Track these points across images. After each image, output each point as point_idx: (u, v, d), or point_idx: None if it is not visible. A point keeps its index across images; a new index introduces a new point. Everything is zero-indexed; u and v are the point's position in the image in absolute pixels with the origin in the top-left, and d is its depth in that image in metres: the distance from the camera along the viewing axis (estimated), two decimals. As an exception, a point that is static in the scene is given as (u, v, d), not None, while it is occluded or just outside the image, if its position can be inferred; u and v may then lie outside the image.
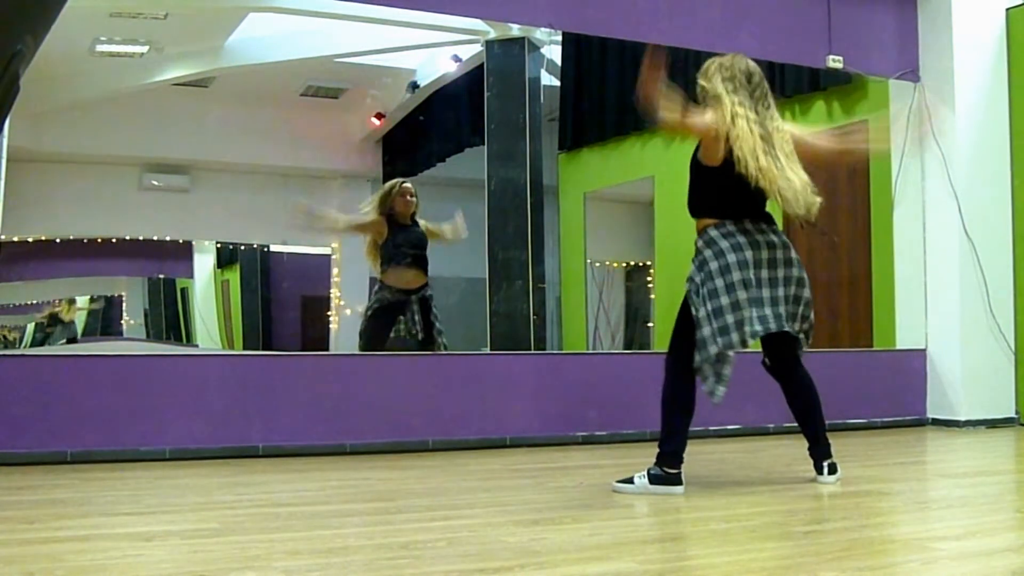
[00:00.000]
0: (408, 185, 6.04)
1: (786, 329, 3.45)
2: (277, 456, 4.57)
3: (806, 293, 3.54)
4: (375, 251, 5.95)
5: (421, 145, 11.29)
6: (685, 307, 3.54)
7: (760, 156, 3.36)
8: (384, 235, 5.89)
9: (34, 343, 11.27)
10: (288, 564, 2.31)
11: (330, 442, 4.71)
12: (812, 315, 3.59)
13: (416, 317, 5.83)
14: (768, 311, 3.41)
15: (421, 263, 5.94)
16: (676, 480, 3.42)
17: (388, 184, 6.10)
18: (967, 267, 5.93)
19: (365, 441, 4.76)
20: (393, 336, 5.80)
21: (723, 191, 3.48)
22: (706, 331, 3.40)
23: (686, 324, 3.52)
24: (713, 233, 3.47)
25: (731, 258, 3.41)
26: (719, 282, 3.41)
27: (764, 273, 3.44)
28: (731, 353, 3.40)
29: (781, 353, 3.63)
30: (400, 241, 5.87)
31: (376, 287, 5.98)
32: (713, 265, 3.43)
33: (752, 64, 3.61)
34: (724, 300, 3.40)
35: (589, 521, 2.94)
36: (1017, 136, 6.08)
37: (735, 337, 3.37)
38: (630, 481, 3.46)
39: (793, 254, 3.52)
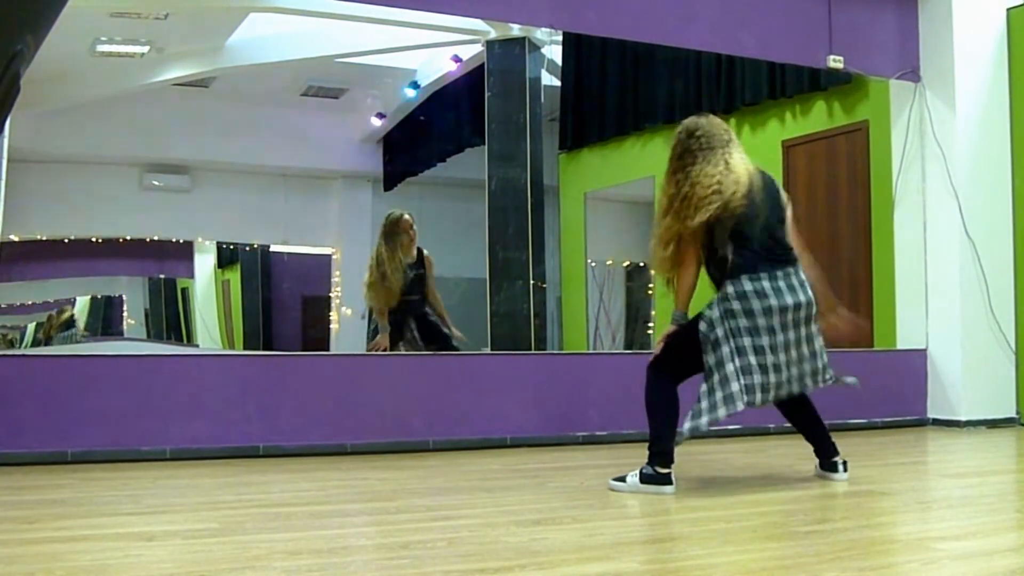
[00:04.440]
0: (408, 218, 6.02)
1: (793, 393, 3.50)
2: (278, 456, 4.57)
3: (819, 344, 3.54)
4: (381, 289, 5.90)
5: (421, 145, 11.30)
6: (690, 330, 3.52)
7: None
8: (401, 282, 5.88)
9: (34, 343, 11.28)
10: (288, 564, 2.31)
11: (330, 442, 4.71)
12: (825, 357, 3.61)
13: (415, 334, 5.92)
14: (773, 379, 3.43)
15: (412, 304, 5.98)
16: (666, 480, 3.43)
17: (390, 219, 6.01)
18: (967, 267, 5.93)
19: (365, 441, 4.76)
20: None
21: (737, 249, 3.47)
22: (718, 395, 3.40)
23: (683, 346, 3.52)
24: (747, 287, 3.43)
25: (760, 321, 3.40)
26: (746, 341, 3.40)
27: (787, 336, 3.43)
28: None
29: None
30: (404, 283, 5.89)
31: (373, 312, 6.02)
32: (742, 323, 3.40)
33: (684, 126, 3.62)
34: (748, 360, 3.40)
35: (589, 521, 2.94)
36: (1017, 136, 6.07)
37: (739, 404, 3.39)
38: (624, 479, 3.49)
39: (815, 310, 3.50)
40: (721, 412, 3.39)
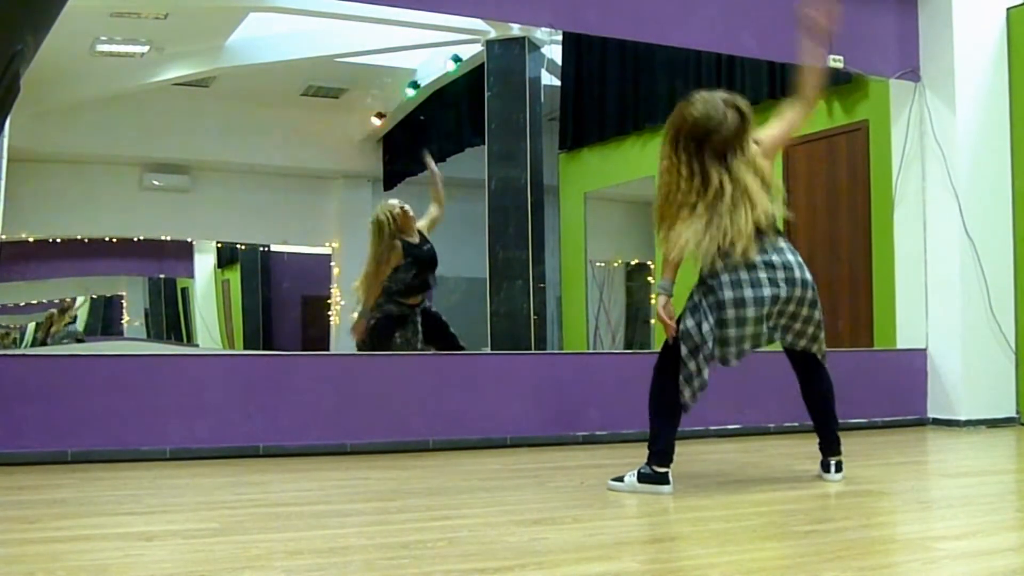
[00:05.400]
0: (401, 207, 5.90)
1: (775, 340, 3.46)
2: (278, 456, 4.56)
3: (805, 312, 3.49)
4: (376, 280, 5.83)
5: (421, 145, 11.29)
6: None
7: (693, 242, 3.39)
8: (401, 259, 5.83)
9: (34, 343, 11.29)
10: (289, 564, 2.31)
11: (330, 442, 4.71)
12: (820, 334, 3.57)
13: (418, 328, 5.85)
14: (734, 348, 3.41)
15: (429, 283, 5.97)
16: (664, 479, 3.42)
17: (380, 214, 5.88)
18: (968, 267, 5.93)
19: (365, 441, 4.75)
20: (396, 346, 5.81)
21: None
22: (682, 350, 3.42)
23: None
24: (722, 275, 3.42)
25: (727, 294, 3.38)
26: (730, 313, 3.39)
27: (775, 290, 3.41)
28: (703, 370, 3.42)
29: (800, 356, 3.66)
30: (415, 261, 5.84)
31: (380, 299, 5.88)
32: (724, 295, 3.39)
33: (693, 113, 3.55)
34: (721, 331, 3.40)
35: (589, 521, 2.94)
36: (1017, 136, 6.07)
37: (708, 349, 3.40)
38: (622, 479, 3.48)
39: (798, 275, 3.45)
40: (701, 361, 3.39)
